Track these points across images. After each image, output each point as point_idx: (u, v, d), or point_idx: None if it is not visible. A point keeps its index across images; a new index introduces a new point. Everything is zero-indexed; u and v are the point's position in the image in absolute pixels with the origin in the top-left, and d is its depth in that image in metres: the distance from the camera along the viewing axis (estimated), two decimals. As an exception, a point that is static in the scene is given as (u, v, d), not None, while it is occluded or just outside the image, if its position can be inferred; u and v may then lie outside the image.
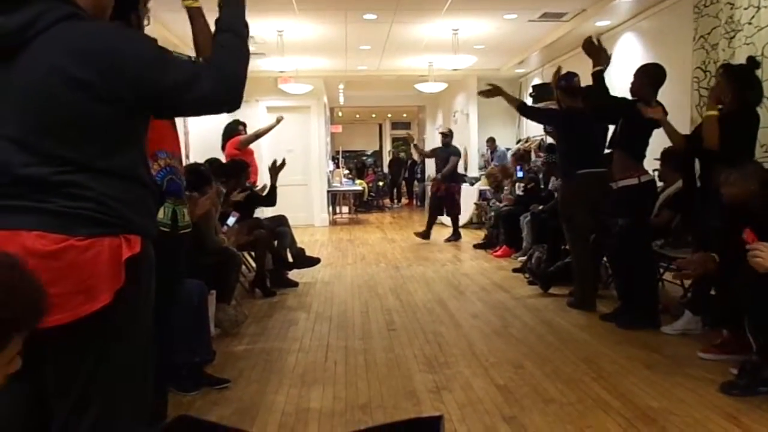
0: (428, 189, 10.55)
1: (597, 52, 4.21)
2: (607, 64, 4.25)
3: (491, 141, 10.92)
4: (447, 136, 9.38)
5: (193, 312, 3.18)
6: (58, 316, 1.28)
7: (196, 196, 3.45)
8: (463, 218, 10.63)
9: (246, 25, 1.54)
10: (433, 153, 9.76)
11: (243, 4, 1.56)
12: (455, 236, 9.06)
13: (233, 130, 6.83)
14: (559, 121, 5.10)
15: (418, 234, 9.29)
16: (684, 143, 4.01)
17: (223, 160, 6.11)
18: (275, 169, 5.91)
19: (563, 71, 5.02)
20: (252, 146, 7.06)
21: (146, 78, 1.36)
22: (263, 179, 6.96)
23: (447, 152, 9.20)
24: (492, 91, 5.19)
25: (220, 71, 1.41)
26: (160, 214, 2.36)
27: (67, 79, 1.30)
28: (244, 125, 7.08)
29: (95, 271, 1.31)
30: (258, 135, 7.00)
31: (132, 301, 1.39)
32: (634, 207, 4.22)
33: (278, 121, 7.15)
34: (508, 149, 10.62)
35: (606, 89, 4.19)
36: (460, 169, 12.03)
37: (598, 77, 4.18)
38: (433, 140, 16.40)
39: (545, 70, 9.70)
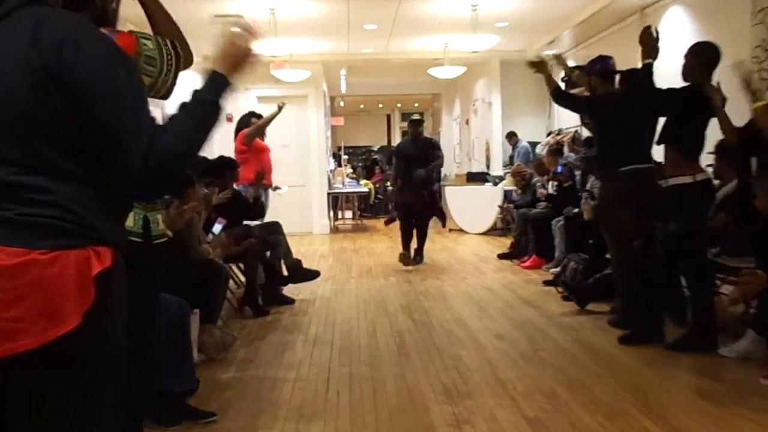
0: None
1: (652, 45, 4.32)
2: (655, 58, 4.31)
3: (511, 135, 10.82)
4: (419, 124, 8.09)
5: (173, 334, 3.18)
6: (21, 342, 1.28)
7: (177, 203, 3.44)
8: (485, 224, 10.64)
9: (213, 106, 1.50)
10: (399, 150, 8.39)
11: (219, 91, 1.52)
12: (420, 258, 8.01)
13: (246, 123, 7.02)
14: (598, 110, 5.07)
15: (402, 261, 7.75)
16: (737, 138, 3.99)
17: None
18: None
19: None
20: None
21: (93, 79, 1.34)
22: (277, 179, 7.30)
23: (424, 143, 7.98)
24: (538, 63, 5.20)
25: (157, 147, 1.36)
26: (129, 222, 2.33)
27: (25, 72, 1.31)
28: (259, 118, 7.18)
29: (61, 289, 1.30)
30: (261, 126, 7.15)
31: (103, 322, 1.39)
32: (688, 209, 4.18)
33: (280, 108, 7.24)
34: (536, 144, 10.35)
35: (652, 83, 4.31)
36: (482, 167, 12.04)
37: (647, 70, 4.30)
38: (450, 133, 16.43)
39: (578, 52, 9.67)
